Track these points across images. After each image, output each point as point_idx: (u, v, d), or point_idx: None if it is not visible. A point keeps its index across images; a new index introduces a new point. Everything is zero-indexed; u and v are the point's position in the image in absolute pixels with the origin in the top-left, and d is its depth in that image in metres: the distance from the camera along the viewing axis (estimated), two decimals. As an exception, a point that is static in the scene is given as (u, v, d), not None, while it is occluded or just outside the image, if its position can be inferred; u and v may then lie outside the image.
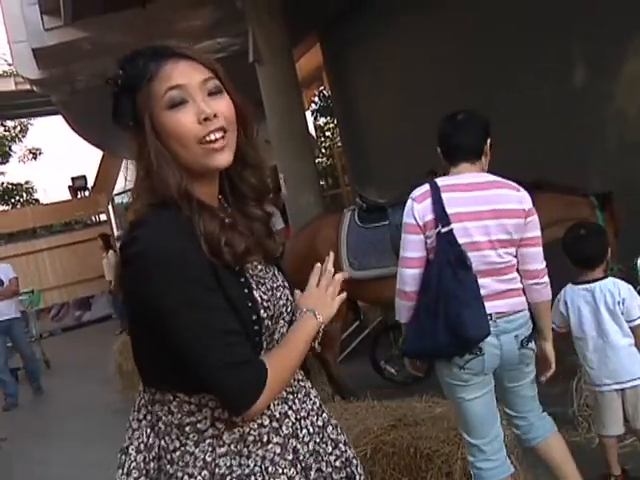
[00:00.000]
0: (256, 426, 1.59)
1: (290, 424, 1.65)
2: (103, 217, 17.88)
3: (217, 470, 1.55)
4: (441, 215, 2.96)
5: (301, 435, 1.67)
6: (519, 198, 3.02)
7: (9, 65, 19.85)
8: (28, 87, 14.37)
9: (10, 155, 26.42)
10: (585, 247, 3.66)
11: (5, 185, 26.31)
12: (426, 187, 3.10)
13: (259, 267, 1.68)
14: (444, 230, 2.93)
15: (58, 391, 9.34)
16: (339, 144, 14.01)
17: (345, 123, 11.82)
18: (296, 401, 1.69)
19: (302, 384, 1.75)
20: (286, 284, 1.74)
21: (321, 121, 19.67)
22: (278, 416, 1.64)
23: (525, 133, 6.48)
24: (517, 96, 6.78)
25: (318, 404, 1.76)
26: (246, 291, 1.58)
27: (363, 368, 6.36)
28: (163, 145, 1.53)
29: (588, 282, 3.63)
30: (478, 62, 7.48)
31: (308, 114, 14.90)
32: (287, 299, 1.71)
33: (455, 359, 3.00)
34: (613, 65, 5.94)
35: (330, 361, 5.62)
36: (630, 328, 3.54)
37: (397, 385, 6.07)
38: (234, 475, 1.55)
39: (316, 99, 19.08)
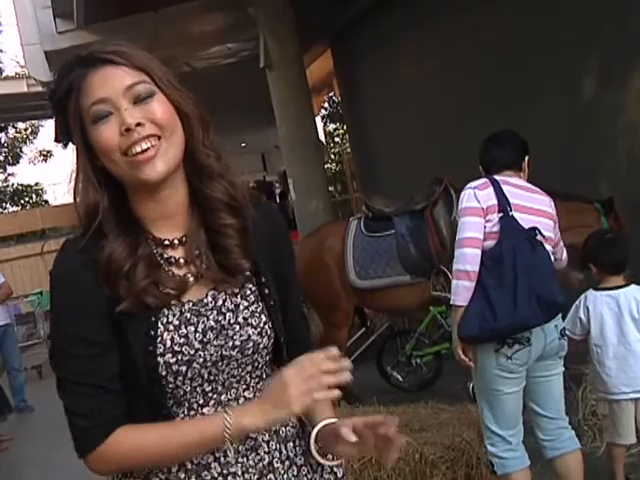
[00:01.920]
0: (163, 476, 1.47)
1: (209, 478, 1.46)
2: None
3: None
4: (505, 201, 3.14)
5: None
6: (552, 206, 3.34)
7: (21, 67, 20.02)
8: (40, 89, 14.44)
9: (20, 157, 26.56)
10: (616, 251, 3.65)
11: (15, 186, 26.43)
12: (484, 179, 3.27)
13: (207, 299, 1.48)
14: (511, 214, 3.11)
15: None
16: (348, 150, 14.05)
17: (355, 130, 11.86)
18: (230, 453, 1.45)
19: (253, 435, 1.47)
20: (254, 321, 1.49)
21: (331, 127, 19.75)
22: (192, 467, 1.46)
23: (537, 144, 6.48)
24: (529, 105, 6.79)
25: (267, 461, 1.50)
26: (152, 333, 1.41)
27: (369, 374, 6.36)
28: (98, 161, 1.43)
29: (611, 289, 3.60)
30: (490, 70, 7.49)
31: (318, 120, 14.93)
32: (247, 338, 1.47)
33: (503, 349, 3.09)
34: (624, 77, 5.95)
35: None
36: None
37: (403, 391, 6.08)
38: None
39: (326, 105, 19.14)
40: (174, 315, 1.44)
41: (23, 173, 26.37)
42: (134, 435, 1.40)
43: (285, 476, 1.52)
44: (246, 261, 1.48)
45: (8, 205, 26.12)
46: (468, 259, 3.11)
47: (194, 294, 1.47)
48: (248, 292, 1.51)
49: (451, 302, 3.24)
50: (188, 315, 1.45)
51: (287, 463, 1.53)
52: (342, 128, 17.48)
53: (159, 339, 1.41)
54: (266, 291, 1.52)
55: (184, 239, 1.48)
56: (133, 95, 1.39)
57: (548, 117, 6.47)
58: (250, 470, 1.48)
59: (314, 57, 12.39)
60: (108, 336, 1.41)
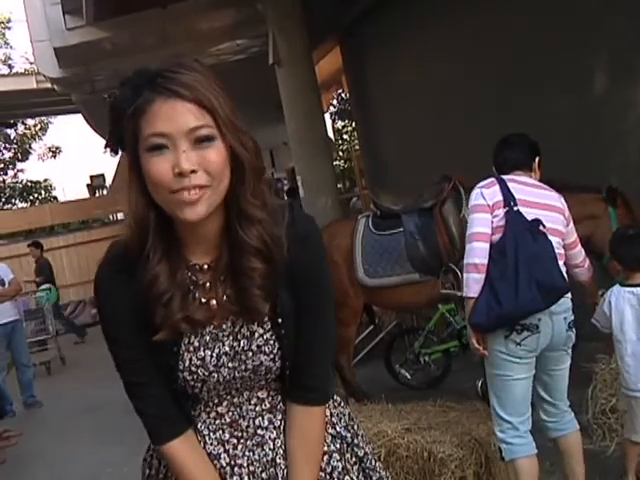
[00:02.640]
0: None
1: (218, 466, 1.63)
2: (121, 216, 17.98)
3: None
4: (510, 197, 3.30)
5: None
6: (563, 203, 3.46)
7: (30, 64, 20.06)
8: (49, 86, 14.48)
9: (30, 153, 26.64)
10: (637, 248, 3.65)
11: (24, 182, 26.51)
12: (491, 178, 3.43)
13: (227, 325, 1.57)
14: (515, 208, 3.26)
15: (74, 388, 9.34)
16: (357, 147, 14.03)
17: (363, 126, 11.84)
18: (239, 446, 1.63)
19: (261, 432, 1.64)
20: (267, 348, 1.57)
21: (339, 124, 19.73)
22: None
23: (545, 140, 6.46)
24: (538, 101, 6.76)
25: (271, 457, 1.64)
26: (175, 350, 1.55)
27: (378, 371, 6.35)
28: (142, 181, 1.46)
29: (634, 285, 3.61)
30: (499, 66, 7.47)
31: (326, 117, 14.91)
32: (259, 364, 1.57)
33: (512, 336, 3.23)
34: (634, 72, 5.92)
35: (344, 364, 5.62)
36: None
37: (411, 389, 6.07)
38: None
39: (335, 102, 19.13)
40: (195, 337, 1.57)
41: (32, 169, 26.40)
42: (186, 457, 1.59)
43: (286, 471, 1.63)
44: (265, 304, 1.53)
45: (17, 201, 26.22)
46: (477, 253, 3.28)
47: (216, 318, 1.57)
48: (265, 318, 1.57)
49: (463, 294, 3.38)
50: (207, 338, 1.57)
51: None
52: (351, 125, 17.47)
53: (180, 357, 1.55)
54: (279, 320, 1.57)
55: (212, 265, 1.56)
56: (194, 137, 1.40)
57: (557, 113, 6.44)
58: (254, 463, 1.63)
59: (323, 54, 12.37)
60: (144, 344, 1.54)
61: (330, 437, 1.71)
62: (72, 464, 6.17)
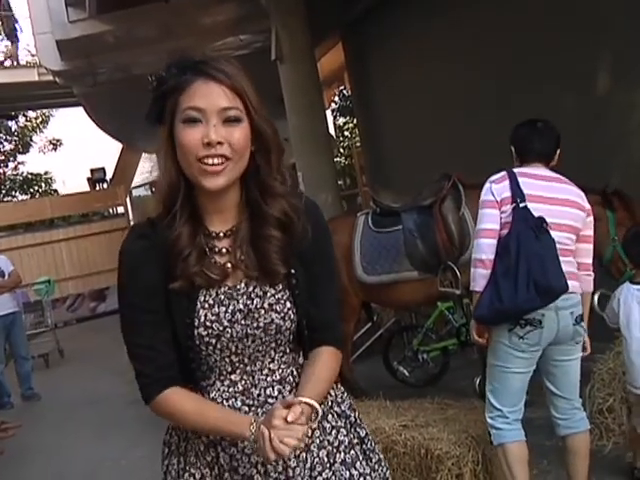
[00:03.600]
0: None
1: (214, 475, 1.75)
2: (121, 210, 17.97)
3: None
4: (518, 193, 3.32)
5: None
6: (581, 197, 3.45)
7: (32, 56, 20.01)
8: (51, 78, 14.44)
9: (31, 145, 26.57)
10: None
11: (25, 175, 26.47)
12: (503, 172, 3.44)
13: (240, 285, 1.73)
14: (522, 205, 3.28)
15: (72, 381, 9.36)
16: (358, 144, 14.02)
17: (365, 123, 11.83)
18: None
19: (271, 402, 1.74)
20: (278, 307, 1.73)
21: (340, 121, 19.69)
22: (201, 465, 1.76)
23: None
24: (539, 99, 6.76)
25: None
26: (191, 307, 1.69)
27: (376, 368, 6.37)
28: (175, 152, 1.68)
29: None
30: (501, 65, 7.46)
31: (328, 113, 14.90)
32: (271, 321, 1.72)
33: (516, 329, 3.29)
34: (637, 74, 5.92)
35: (342, 361, 5.62)
36: None
37: (409, 386, 6.08)
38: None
39: (336, 99, 19.10)
40: (210, 296, 1.71)
41: (33, 162, 26.35)
42: (178, 400, 1.70)
43: (292, 463, 1.72)
44: (283, 267, 1.72)
45: (17, 194, 26.18)
46: (484, 248, 3.35)
47: (231, 280, 1.74)
48: (277, 281, 1.74)
49: (470, 288, 3.46)
50: (222, 297, 1.72)
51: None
52: (352, 122, 17.44)
53: (196, 314, 1.69)
54: (294, 281, 1.75)
55: (229, 232, 1.75)
56: (224, 116, 1.64)
57: (560, 112, 6.43)
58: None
59: (325, 50, 12.35)
60: (161, 307, 1.70)
61: (336, 414, 1.84)
62: (70, 457, 6.18)
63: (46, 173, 26.80)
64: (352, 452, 1.82)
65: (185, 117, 1.63)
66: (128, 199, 19.35)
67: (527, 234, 3.23)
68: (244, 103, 1.66)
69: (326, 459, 1.77)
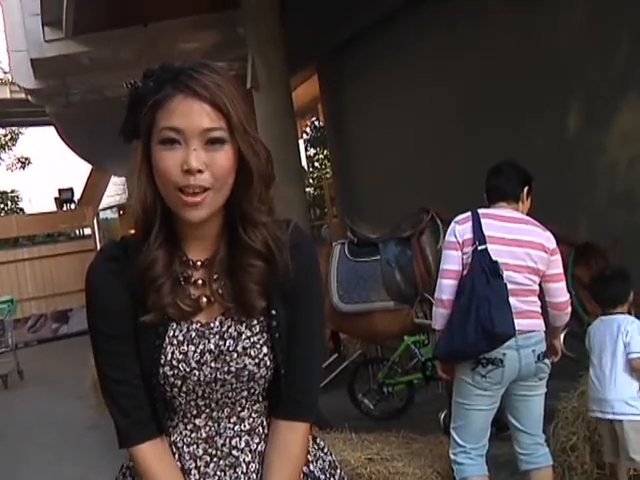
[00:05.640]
0: None
1: None
2: (87, 231, 17.80)
3: None
4: (479, 235, 3.39)
5: None
6: (545, 237, 3.46)
7: (4, 73, 19.91)
8: (23, 96, 14.38)
9: (-2, 163, 26.33)
10: (611, 287, 3.84)
11: (-9, 192, 26.19)
12: (468, 213, 3.51)
13: (215, 324, 1.56)
14: (480, 247, 3.35)
15: (31, 403, 9.17)
16: (328, 175, 14.08)
17: (337, 155, 11.89)
18: (211, 464, 1.58)
19: (236, 454, 1.59)
20: (253, 351, 1.55)
21: (311, 152, 19.81)
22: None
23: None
24: (508, 134, 6.86)
25: None
26: (158, 343, 1.53)
27: (341, 400, 6.34)
28: (151, 171, 1.50)
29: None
30: (475, 100, 7.57)
31: (300, 143, 14.97)
32: (243, 367, 1.54)
33: (478, 368, 3.37)
34: (606, 118, 6.05)
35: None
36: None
37: (374, 419, 6.06)
38: None
39: (308, 129, 19.22)
40: (181, 331, 1.55)
41: (0, 179, 26.12)
42: (150, 461, 1.54)
43: None
44: (261, 300, 1.54)
45: (-18, 211, 25.88)
46: (444, 289, 3.46)
47: (204, 316, 1.57)
48: (255, 322, 1.57)
49: (432, 326, 3.59)
50: (193, 334, 1.55)
51: None
52: (322, 153, 17.55)
53: (163, 350, 1.53)
54: (274, 323, 1.56)
55: (207, 262, 1.57)
56: (206, 137, 1.44)
57: (531, 150, 6.54)
58: None
59: (301, 81, 12.43)
60: (129, 335, 1.53)
61: (302, 474, 1.66)
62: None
63: (13, 191, 26.54)
64: None
65: (162, 138, 1.44)
66: (95, 221, 19.20)
67: (480, 278, 3.31)
68: (227, 122, 1.45)
69: None
